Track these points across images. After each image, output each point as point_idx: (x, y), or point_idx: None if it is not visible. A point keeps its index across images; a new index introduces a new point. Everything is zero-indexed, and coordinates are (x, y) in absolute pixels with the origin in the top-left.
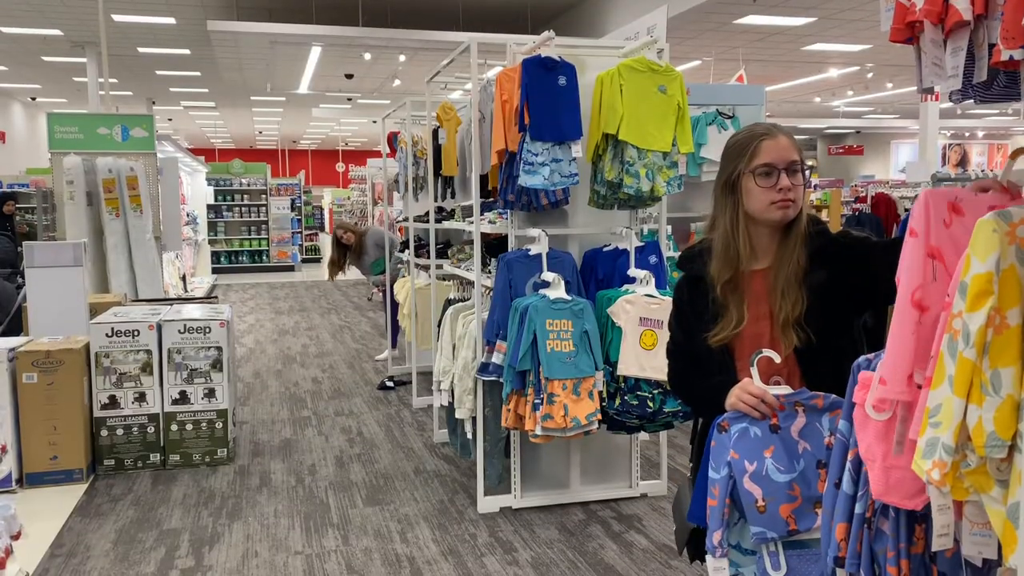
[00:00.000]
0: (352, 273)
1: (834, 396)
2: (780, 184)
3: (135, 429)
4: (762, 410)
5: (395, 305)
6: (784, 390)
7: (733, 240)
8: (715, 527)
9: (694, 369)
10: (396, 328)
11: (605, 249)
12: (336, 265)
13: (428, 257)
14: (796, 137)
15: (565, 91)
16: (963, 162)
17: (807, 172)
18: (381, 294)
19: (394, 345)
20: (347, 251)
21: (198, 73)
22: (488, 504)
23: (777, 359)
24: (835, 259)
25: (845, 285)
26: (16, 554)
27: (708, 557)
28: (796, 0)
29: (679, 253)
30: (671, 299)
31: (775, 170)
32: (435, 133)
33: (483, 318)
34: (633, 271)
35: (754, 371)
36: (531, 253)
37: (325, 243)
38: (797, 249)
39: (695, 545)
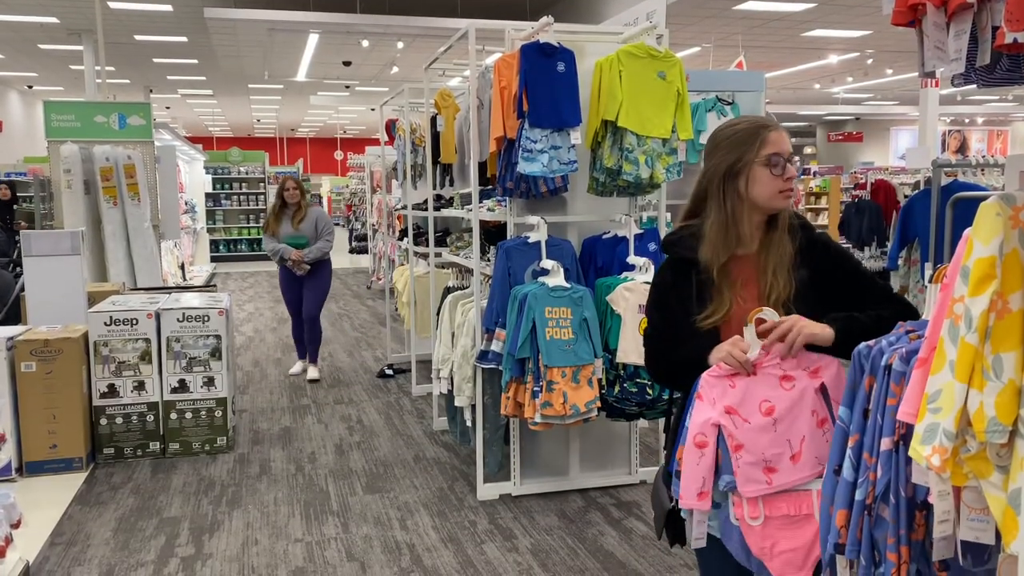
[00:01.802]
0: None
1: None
2: (787, 174)
3: (134, 418)
4: (748, 369)
5: (287, 301)
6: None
7: (734, 226)
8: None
9: (674, 345)
10: (300, 334)
11: (604, 236)
12: (270, 220)
13: (427, 245)
14: (795, 124)
15: (564, 77)
16: (962, 148)
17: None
18: (284, 276)
19: (302, 355)
20: (284, 209)
21: (195, 61)
22: (488, 491)
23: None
24: (818, 262)
25: (824, 288)
26: (16, 543)
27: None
28: None
29: (663, 237)
30: None
31: (782, 160)
32: (433, 120)
33: (482, 306)
34: (632, 258)
35: (749, 330)
36: (530, 241)
37: None
38: (784, 235)
39: (673, 530)
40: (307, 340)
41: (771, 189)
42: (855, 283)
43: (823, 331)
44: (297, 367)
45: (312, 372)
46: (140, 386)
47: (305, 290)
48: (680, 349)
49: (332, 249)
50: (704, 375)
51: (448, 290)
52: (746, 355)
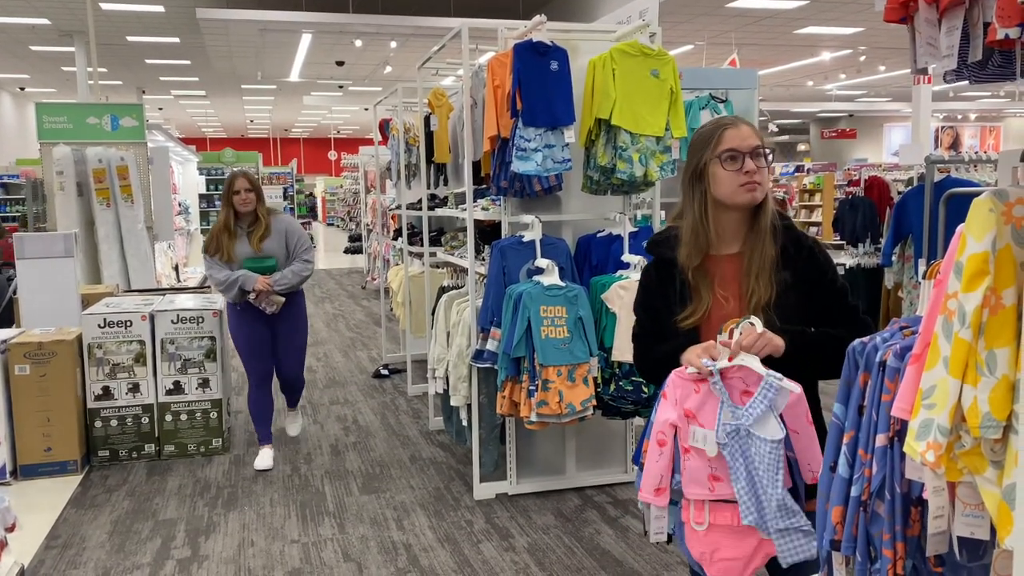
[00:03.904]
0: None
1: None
2: (746, 167)
3: (129, 420)
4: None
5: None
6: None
7: (702, 227)
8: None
9: (658, 344)
10: (266, 408)
11: (599, 235)
12: (218, 237)
13: (422, 245)
14: (789, 122)
15: (557, 76)
16: (955, 144)
17: (769, 157)
18: (253, 312)
19: (267, 438)
20: (238, 221)
21: (188, 62)
22: (484, 491)
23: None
24: (800, 264)
25: (804, 290)
26: (11, 546)
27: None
28: None
29: (649, 238)
30: None
31: (740, 154)
32: (427, 120)
33: (477, 305)
34: (627, 256)
35: (720, 338)
36: (524, 240)
37: (319, 232)
38: (767, 237)
39: None
40: (286, 390)
41: (731, 185)
42: (828, 295)
43: (777, 343)
44: (264, 458)
45: (293, 425)
46: (135, 388)
47: (278, 338)
48: (662, 347)
49: (312, 273)
50: (672, 374)
51: (443, 289)
52: (714, 362)
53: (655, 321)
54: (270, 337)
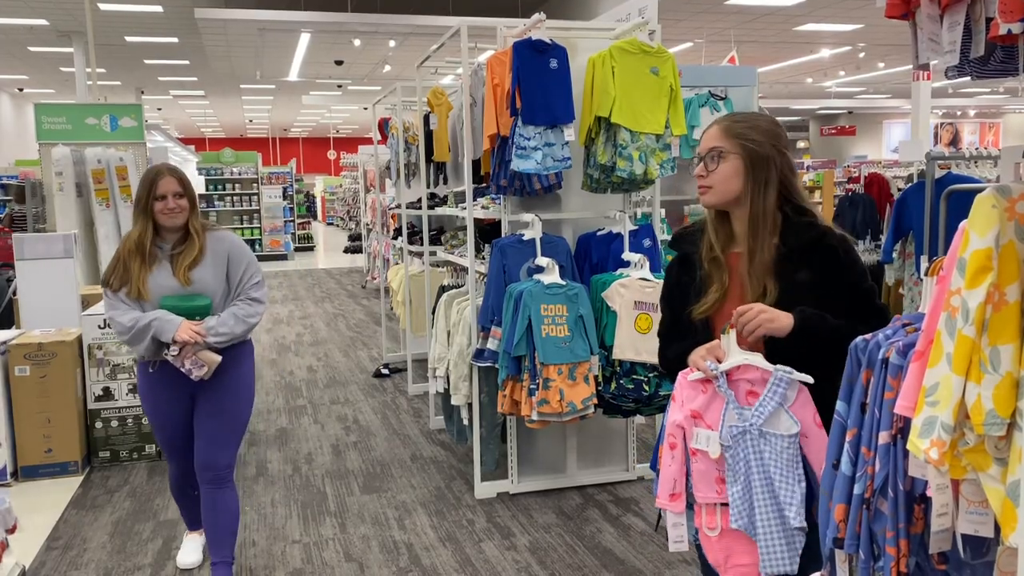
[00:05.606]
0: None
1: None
2: (697, 172)
3: (130, 421)
4: (710, 376)
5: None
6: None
7: (708, 224)
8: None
9: (676, 341)
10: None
11: (599, 233)
12: (125, 263)
13: (421, 244)
14: (788, 119)
15: (557, 74)
16: (955, 141)
17: (723, 154)
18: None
19: (194, 523)
20: (158, 240)
21: (187, 62)
22: (485, 490)
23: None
24: (823, 265)
25: (827, 291)
26: (12, 548)
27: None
28: None
29: (673, 232)
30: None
31: (699, 157)
32: (426, 118)
33: (477, 304)
34: (627, 255)
35: (726, 338)
36: (525, 238)
37: (318, 231)
38: (762, 236)
39: None
40: (207, 521)
41: (697, 188)
42: (851, 296)
43: (783, 322)
44: (189, 552)
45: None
46: (135, 389)
47: (200, 412)
48: (676, 346)
49: (262, 319)
50: (679, 376)
51: (443, 288)
52: (718, 363)
53: (674, 317)
54: (188, 409)
